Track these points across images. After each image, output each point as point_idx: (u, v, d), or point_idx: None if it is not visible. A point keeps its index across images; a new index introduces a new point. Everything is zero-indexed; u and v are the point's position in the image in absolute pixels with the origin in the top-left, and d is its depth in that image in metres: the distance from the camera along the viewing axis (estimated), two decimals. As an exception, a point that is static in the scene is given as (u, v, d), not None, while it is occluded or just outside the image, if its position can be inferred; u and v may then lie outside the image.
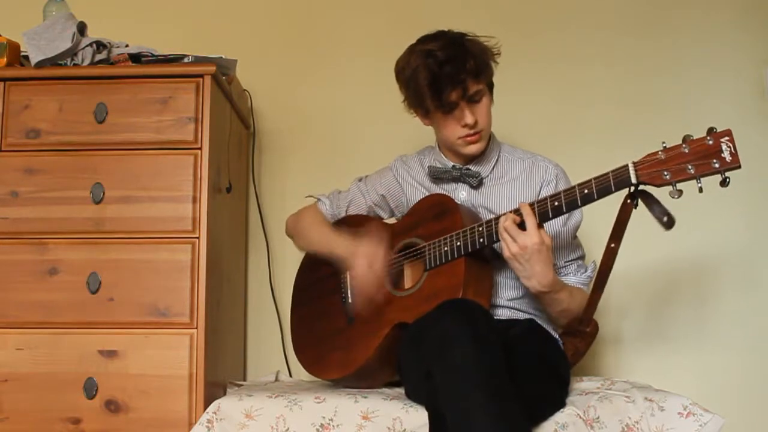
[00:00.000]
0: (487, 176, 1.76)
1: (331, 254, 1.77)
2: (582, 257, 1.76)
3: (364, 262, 1.67)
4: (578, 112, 2.31)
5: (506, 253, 1.51)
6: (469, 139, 1.68)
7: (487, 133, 1.73)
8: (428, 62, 1.62)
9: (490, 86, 1.71)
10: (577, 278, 1.71)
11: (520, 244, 1.48)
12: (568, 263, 1.72)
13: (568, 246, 1.72)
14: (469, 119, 1.65)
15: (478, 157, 1.75)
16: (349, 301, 1.75)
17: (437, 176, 1.77)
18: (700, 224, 2.19)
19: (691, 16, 2.32)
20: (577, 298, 1.64)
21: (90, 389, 1.71)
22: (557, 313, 1.64)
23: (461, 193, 1.75)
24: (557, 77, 2.32)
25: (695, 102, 2.26)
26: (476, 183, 1.73)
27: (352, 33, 2.40)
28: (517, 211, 1.51)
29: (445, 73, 1.60)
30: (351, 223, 1.86)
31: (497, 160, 1.77)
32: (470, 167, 1.75)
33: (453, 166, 1.76)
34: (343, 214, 1.91)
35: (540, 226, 1.50)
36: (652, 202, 1.39)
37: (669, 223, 1.36)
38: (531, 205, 1.50)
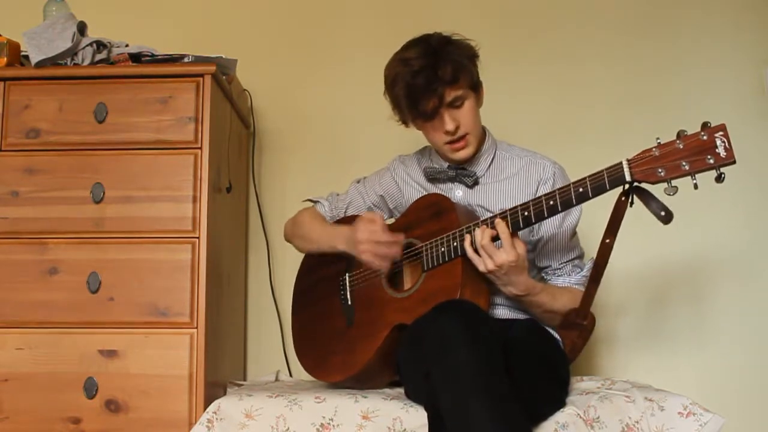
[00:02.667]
0: (483, 175, 1.75)
1: (335, 247, 1.74)
2: (579, 257, 1.75)
3: (364, 223, 1.64)
4: (577, 111, 2.31)
5: (482, 268, 1.52)
6: (454, 146, 1.68)
7: (475, 137, 1.71)
8: (404, 72, 1.62)
9: (475, 87, 1.69)
10: (569, 279, 1.71)
11: (497, 262, 1.49)
12: (562, 264, 1.72)
13: (564, 247, 1.71)
14: (449, 126, 1.64)
15: (472, 157, 1.74)
16: (349, 303, 1.75)
17: (433, 177, 1.77)
18: (699, 223, 2.19)
19: (691, 16, 2.32)
20: (562, 299, 1.64)
21: (90, 389, 1.71)
22: (540, 315, 1.65)
23: (457, 193, 1.75)
24: (556, 77, 2.32)
25: (695, 102, 2.26)
26: (471, 182, 1.73)
27: (352, 33, 2.40)
28: (492, 225, 1.52)
29: (419, 84, 1.60)
30: (349, 224, 1.86)
31: (493, 158, 1.77)
32: (465, 167, 1.75)
33: (448, 166, 1.76)
34: (341, 216, 1.91)
35: (515, 234, 1.51)
36: (648, 198, 1.39)
37: (667, 217, 1.35)
38: (504, 217, 1.51)
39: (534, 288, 1.57)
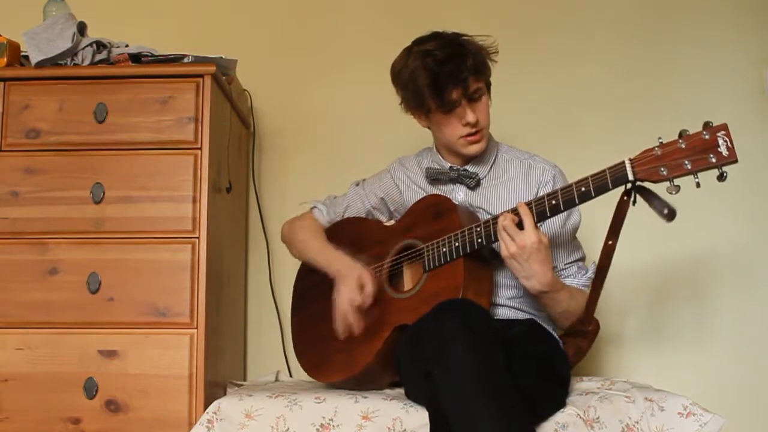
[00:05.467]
0: (485, 177, 1.75)
1: (329, 265, 1.76)
2: (582, 259, 1.75)
3: (355, 283, 1.65)
4: (577, 111, 2.31)
5: (504, 253, 1.50)
6: (470, 138, 1.68)
7: (487, 133, 1.72)
8: (427, 62, 1.61)
9: (488, 86, 1.71)
10: (577, 280, 1.70)
11: (519, 244, 1.48)
12: (568, 265, 1.72)
13: (567, 248, 1.71)
14: (470, 117, 1.64)
15: (475, 158, 1.74)
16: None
17: (434, 177, 1.77)
18: (700, 223, 2.19)
19: (691, 16, 2.32)
20: (578, 299, 1.63)
21: (90, 389, 1.71)
22: (558, 314, 1.64)
23: (458, 195, 1.75)
24: (556, 76, 2.32)
25: (695, 102, 2.26)
26: (473, 184, 1.73)
27: (352, 33, 2.40)
28: (515, 211, 1.51)
29: (446, 72, 1.60)
30: (348, 226, 1.86)
31: (495, 160, 1.77)
32: (467, 168, 1.75)
33: (450, 167, 1.76)
34: (339, 219, 1.90)
35: (537, 226, 1.50)
36: (651, 197, 1.38)
37: (670, 215, 1.35)
38: (528, 204, 1.51)
39: (556, 284, 1.55)
